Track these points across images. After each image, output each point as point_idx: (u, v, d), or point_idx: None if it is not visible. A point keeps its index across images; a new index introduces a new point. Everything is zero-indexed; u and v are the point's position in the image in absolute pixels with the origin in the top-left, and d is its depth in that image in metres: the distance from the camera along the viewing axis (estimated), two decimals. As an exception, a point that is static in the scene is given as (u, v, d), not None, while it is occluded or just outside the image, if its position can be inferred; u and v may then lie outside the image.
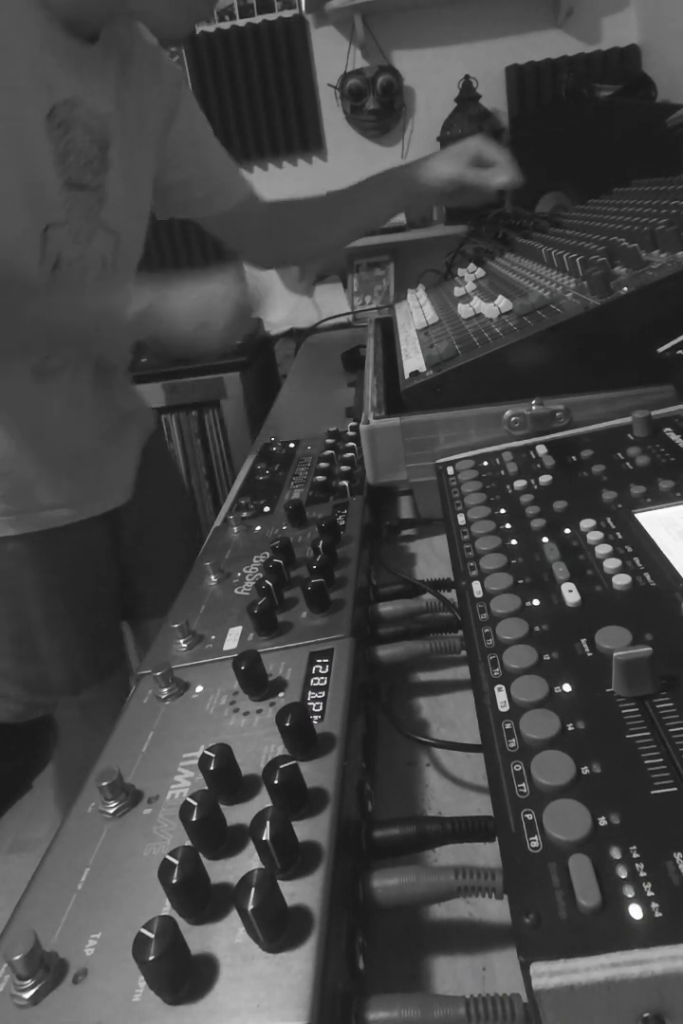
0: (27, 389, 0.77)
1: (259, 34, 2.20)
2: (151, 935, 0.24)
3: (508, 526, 0.47)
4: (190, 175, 0.93)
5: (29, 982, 0.26)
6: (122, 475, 0.91)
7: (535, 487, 0.51)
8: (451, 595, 0.48)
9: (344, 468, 0.69)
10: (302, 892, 0.27)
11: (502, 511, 0.49)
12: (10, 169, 0.66)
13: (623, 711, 0.30)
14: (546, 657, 0.34)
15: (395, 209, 1.09)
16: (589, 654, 0.34)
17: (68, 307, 0.74)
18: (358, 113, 2.24)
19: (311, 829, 0.30)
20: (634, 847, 0.24)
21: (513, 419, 0.59)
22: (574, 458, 0.53)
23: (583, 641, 0.35)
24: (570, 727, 0.30)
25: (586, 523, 0.44)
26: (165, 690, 0.41)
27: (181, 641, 0.46)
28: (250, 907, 0.24)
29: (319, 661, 0.41)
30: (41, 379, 0.78)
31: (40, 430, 0.80)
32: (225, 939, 0.26)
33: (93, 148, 0.74)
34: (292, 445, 0.81)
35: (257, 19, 2.21)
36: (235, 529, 0.61)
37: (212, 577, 0.53)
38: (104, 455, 0.87)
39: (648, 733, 0.29)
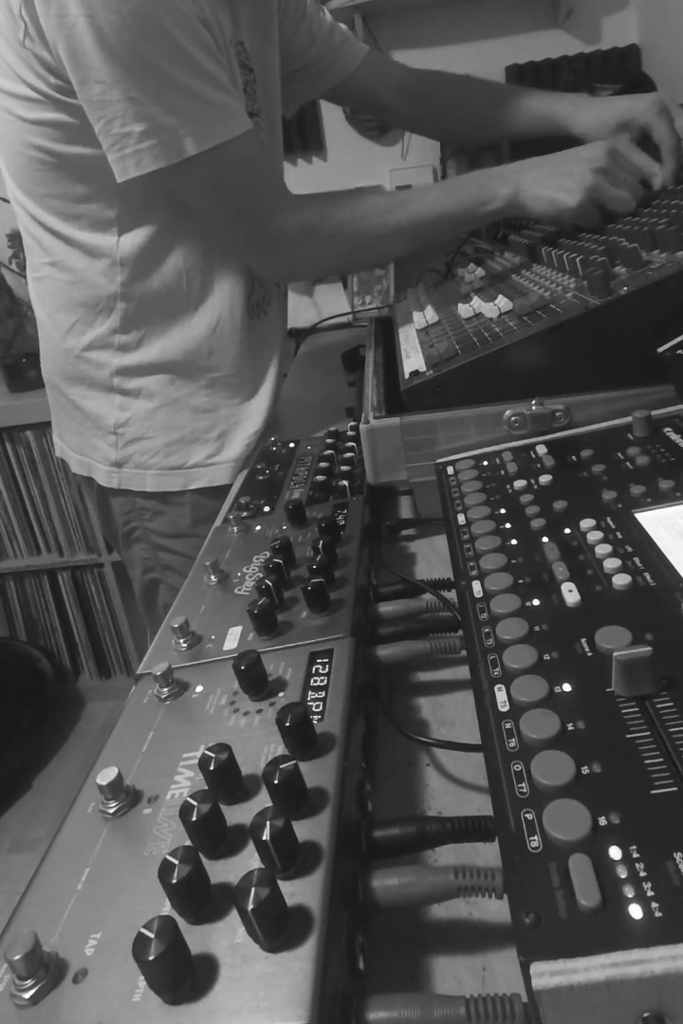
0: (244, 327, 0.87)
1: (259, 34, 2.20)
2: (151, 935, 0.24)
3: (508, 526, 0.47)
4: (311, 51, 0.98)
5: (29, 982, 0.26)
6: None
7: (535, 487, 0.51)
8: (451, 595, 0.48)
9: (344, 468, 0.69)
10: (302, 892, 0.27)
11: (502, 511, 0.49)
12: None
13: (623, 711, 0.30)
14: (546, 657, 0.34)
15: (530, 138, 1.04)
16: (589, 654, 0.34)
17: (445, 199, 0.80)
18: (358, 113, 2.24)
19: (311, 829, 0.30)
20: (634, 847, 0.24)
21: (513, 419, 0.59)
22: (574, 458, 0.53)
23: (583, 641, 0.35)
24: (570, 727, 0.30)
25: (586, 523, 0.44)
26: (165, 690, 0.41)
27: (181, 641, 0.46)
28: (250, 907, 0.24)
29: (319, 661, 0.41)
30: (253, 316, 0.89)
31: (252, 367, 0.89)
32: (225, 939, 0.26)
33: (243, 71, 0.83)
34: (292, 445, 0.81)
35: (257, 19, 2.21)
36: (235, 529, 0.61)
37: (212, 577, 0.53)
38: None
39: (648, 733, 0.29)
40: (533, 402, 0.59)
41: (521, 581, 0.41)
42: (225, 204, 0.77)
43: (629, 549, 0.40)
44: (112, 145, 0.70)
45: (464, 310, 0.74)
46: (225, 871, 0.29)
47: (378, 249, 0.85)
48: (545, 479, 0.51)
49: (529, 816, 0.27)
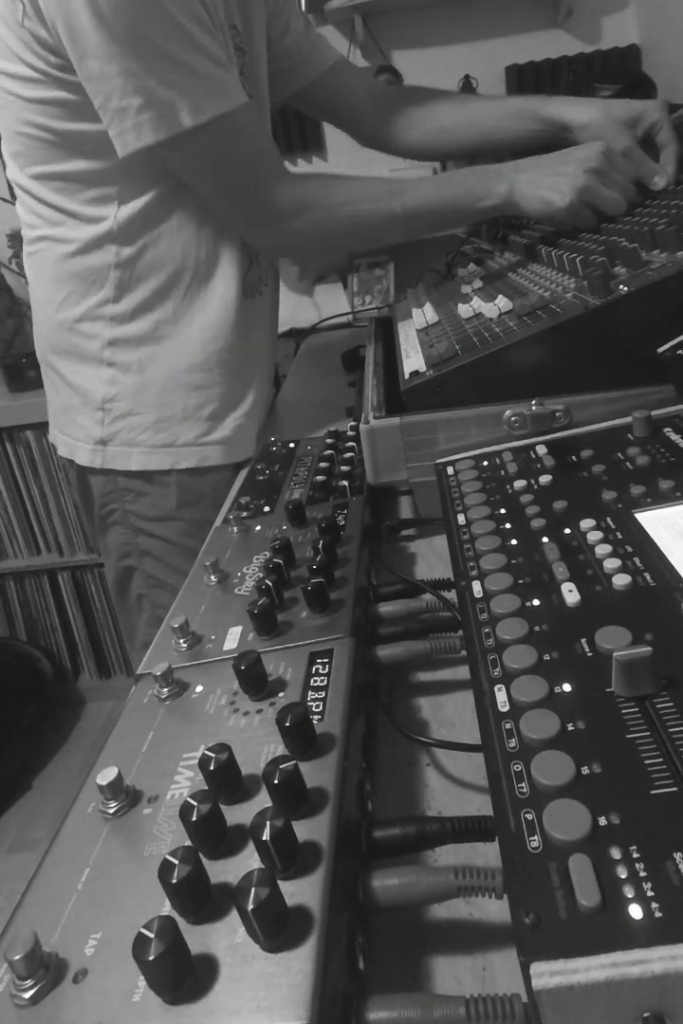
0: (239, 305, 0.87)
1: (259, 34, 2.20)
2: (151, 935, 0.24)
3: (508, 526, 0.47)
4: (284, 41, 0.98)
5: (29, 982, 0.26)
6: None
7: (535, 487, 0.51)
8: (451, 595, 0.48)
9: (344, 468, 0.69)
10: (302, 892, 0.27)
11: (502, 511, 0.49)
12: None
13: (623, 711, 0.30)
14: (546, 657, 0.34)
15: (526, 143, 0.99)
16: (589, 654, 0.34)
17: (441, 192, 0.82)
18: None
19: (311, 829, 0.30)
20: (634, 847, 0.24)
21: (513, 419, 0.59)
22: (574, 458, 0.53)
23: (583, 641, 0.35)
24: (570, 727, 0.30)
25: (586, 523, 0.44)
26: (165, 690, 0.41)
27: (181, 641, 0.46)
28: (250, 907, 0.24)
29: (319, 661, 0.41)
30: (248, 296, 0.89)
31: (246, 346, 0.90)
32: (225, 939, 0.26)
33: (237, 54, 0.84)
34: (292, 445, 0.81)
35: (257, 19, 2.20)
36: (235, 529, 0.61)
37: (212, 577, 0.53)
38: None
39: (648, 733, 0.29)
40: (533, 402, 0.59)
41: (521, 581, 0.41)
42: (221, 177, 0.78)
43: (629, 549, 0.40)
44: (112, 120, 0.71)
45: (464, 310, 0.74)
46: (225, 871, 0.29)
47: (372, 233, 0.86)
48: (545, 479, 0.51)
49: (529, 816, 0.27)
